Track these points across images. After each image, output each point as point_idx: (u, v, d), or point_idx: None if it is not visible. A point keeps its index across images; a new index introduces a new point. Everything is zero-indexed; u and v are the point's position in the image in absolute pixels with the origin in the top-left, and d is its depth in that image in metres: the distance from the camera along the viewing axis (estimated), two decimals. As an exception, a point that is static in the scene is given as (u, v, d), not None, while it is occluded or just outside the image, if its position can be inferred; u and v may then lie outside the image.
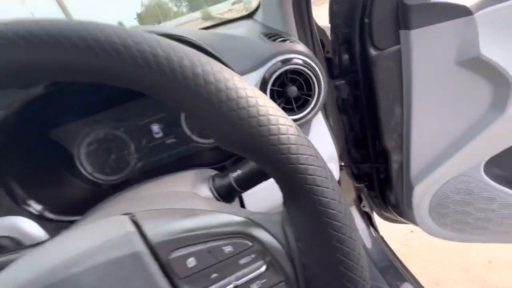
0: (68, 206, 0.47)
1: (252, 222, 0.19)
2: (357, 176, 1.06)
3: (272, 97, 0.49)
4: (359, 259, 0.18)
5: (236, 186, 0.33)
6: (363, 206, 1.12)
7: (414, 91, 0.59)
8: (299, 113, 0.50)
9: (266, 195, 0.39)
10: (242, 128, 0.17)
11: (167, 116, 0.56)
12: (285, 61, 0.48)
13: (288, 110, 0.50)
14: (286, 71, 0.48)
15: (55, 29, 0.15)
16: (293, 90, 0.48)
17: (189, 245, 0.18)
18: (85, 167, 0.55)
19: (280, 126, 0.17)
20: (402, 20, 0.54)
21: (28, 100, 0.37)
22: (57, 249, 0.21)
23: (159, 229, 0.19)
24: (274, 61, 0.48)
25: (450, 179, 0.69)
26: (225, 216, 0.20)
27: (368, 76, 0.63)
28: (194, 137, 0.57)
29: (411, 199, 0.73)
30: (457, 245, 0.92)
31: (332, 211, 0.17)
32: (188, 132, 0.57)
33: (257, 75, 0.47)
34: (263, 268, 0.19)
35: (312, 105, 0.50)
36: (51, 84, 0.37)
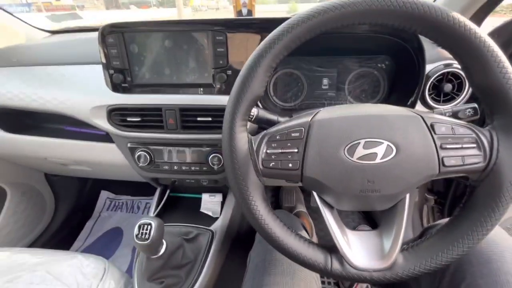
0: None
1: (477, 128, 0.40)
2: (430, 189, 1.20)
3: (429, 88, 0.67)
4: None
5: None
6: (422, 220, 1.26)
7: None
8: (443, 105, 0.68)
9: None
10: (497, 74, 0.36)
11: (338, 76, 0.77)
12: (447, 65, 0.66)
13: (436, 100, 0.69)
14: (446, 73, 0.66)
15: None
16: (448, 87, 0.66)
17: (439, 123, 0.39)
18: (271, 92, 0.80)
19: None
20: None
21: None
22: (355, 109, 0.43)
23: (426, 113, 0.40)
24: (438, 63, 0.67)
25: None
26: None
27: None
28: (349, 98, 0.79)
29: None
30: None
31: None
32: (346, 92, 0.78)
33: (428, 67, 0.66)
34: (475, 145, 0.39)
35: (456, 102, 0.67)
36: None
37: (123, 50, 0.66)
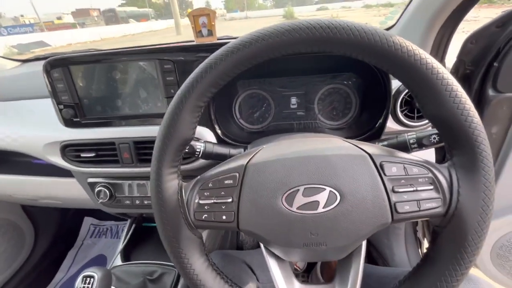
0: (230, 138, 0.68)
1: (434, 165, 0.34)
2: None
3: (400, 104, 0.62)
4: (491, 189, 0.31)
5: None
6: (416, 231, 1.19)
7: None
8: (417, 122, 0.63)
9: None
10: (450, 104, 0.31)
11: (306, 94, 0.72)
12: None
13: (410, 117, 0.63)
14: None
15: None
16: (420, 102, 0.61)
17: (390, 162, 0.34)
18: (236, 114, 0.75)
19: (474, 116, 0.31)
20: None
21: None
22: (299, 145, 0.38)
23: (375, 151, 0.35)
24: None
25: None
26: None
27: (479, 113, 0.71)
28: (319, 116, 0.73)
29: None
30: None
31: (485, 166, 0.31)
32: (316, 111, 0.73)
33: (395, 83, 0.61)
34: (432, 186, 0.33)
35: (431, 119, 0.62)
36: None
37: (70, 84, 0.63)
